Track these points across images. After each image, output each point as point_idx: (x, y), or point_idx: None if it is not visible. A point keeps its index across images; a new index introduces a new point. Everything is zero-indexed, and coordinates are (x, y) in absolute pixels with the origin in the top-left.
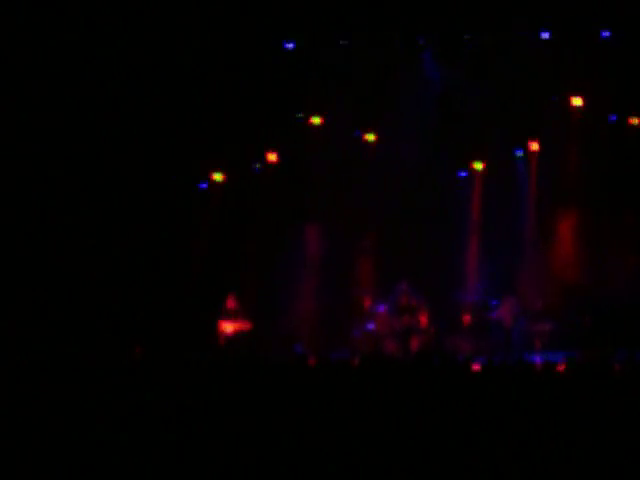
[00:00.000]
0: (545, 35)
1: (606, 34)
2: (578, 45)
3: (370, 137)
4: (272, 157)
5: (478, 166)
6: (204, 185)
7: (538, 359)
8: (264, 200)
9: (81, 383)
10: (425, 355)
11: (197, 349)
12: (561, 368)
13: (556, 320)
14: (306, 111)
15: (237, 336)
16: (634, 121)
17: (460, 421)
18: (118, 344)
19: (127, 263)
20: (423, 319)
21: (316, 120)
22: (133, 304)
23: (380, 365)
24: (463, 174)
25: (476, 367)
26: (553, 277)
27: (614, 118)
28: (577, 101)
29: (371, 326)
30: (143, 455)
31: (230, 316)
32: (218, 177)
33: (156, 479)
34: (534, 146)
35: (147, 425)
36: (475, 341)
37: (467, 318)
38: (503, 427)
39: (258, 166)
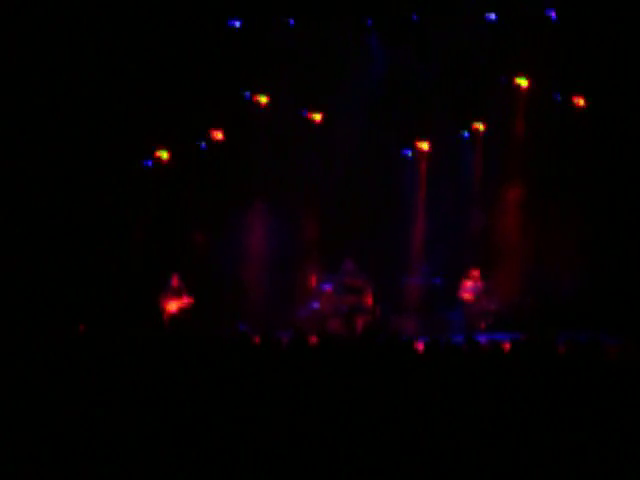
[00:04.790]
0: (491, 16)
1: (552, 14)
2: (524, 25)
3: (315, 116)
4: (217, 135)
5: (424, 146)
6: (148, 162)
7: (483, 339)
8: (208, 178)
9: (25, 361)
10: (370, 334)
11: (141, 327)
12: (506, 348)
13: (500, 301)
14: (252, 89)
15: (181, 314)
16: (579, 101)
17: (406, 399)
18: (62, 322)
19: (71, 241)
20: (368, 299)
21: (262, 99)
22: (77, 282)
23: (326, 344)
24: (408, 154)
25: (420, 346)
26: (498, 258)
27: (559, 98)
28: (523, 81)
29: (316, 305)
30: (85, 432)
31: (174, 294)
32: (163, 154)
33: (96, 457)
34: (480, 126)
35: (92, 403)
36: (420, 321)
37: (413, 298)
38: (449, 405)
39: (202, 144)
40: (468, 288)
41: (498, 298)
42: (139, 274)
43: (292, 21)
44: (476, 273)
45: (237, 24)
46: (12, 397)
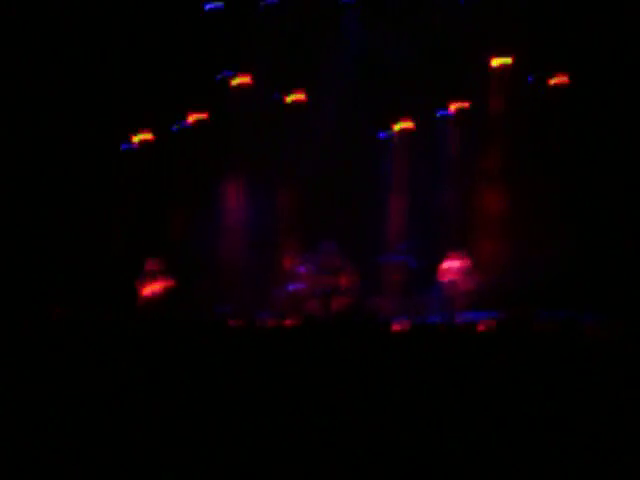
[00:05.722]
0: None
1: None
2: (502, 4)
3: (292, 97)
4: (194, 116)
5: (401, 126)
6: (126, 145)
7: (461, 318)
8: (186, 160)
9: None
10: (346, 315)
11: (118, 310)
12: (483, 327)
13: (479, 280)
14: (228, 69)
15: (158, 297)
16: (558, 80)
17: (384, 380)
18: (37, 305)
19: (48, 224)
20: (346, 280)
21: (239, 79)
22: (53, 265)
23: (302, 325)
24: (386, 134)
25: (396, 327)
26: (477, 236)
27: (534, 78)
28: (500, 61)
29: (293, 286)
30: (59, 417)
31: (151, 277)
32: (141, 137)
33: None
34: (458, 106)
35: (69, 388)
36: (398, 302)
37: (391, 279)
38: (427, 386)
39: (179, 124)
40: (449, 270)
41: (477, 277)
42: (116, 257)
43: (268, 1)
44: (457, 254)
45: (214, 5)
46: None
